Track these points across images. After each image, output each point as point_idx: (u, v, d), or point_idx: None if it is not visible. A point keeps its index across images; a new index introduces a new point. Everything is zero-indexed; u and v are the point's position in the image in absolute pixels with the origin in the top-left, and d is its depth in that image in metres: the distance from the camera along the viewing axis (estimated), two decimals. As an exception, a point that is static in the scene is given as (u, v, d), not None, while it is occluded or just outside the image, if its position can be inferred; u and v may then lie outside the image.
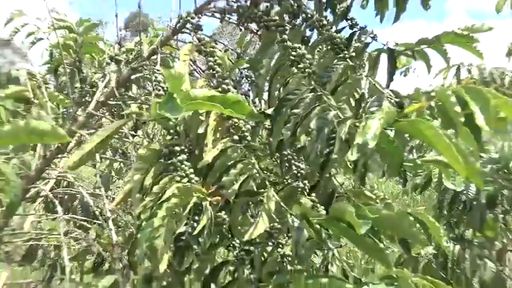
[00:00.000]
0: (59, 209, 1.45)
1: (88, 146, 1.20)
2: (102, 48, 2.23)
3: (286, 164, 1.48)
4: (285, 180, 1.50)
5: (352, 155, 0.94)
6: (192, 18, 1.54)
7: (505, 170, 2.69)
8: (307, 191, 1.50)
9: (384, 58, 1.80)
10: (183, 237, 1.07)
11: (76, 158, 1.19)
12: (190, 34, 1.77)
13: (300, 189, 1.49)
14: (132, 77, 1.74)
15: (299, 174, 1.49)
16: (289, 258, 1.22)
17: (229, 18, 1.68)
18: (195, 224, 1.04)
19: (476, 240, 2.91)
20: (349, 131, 1.07)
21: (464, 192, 2.75)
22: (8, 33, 2.36)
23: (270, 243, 1.25)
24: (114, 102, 1.78)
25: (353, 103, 1.37)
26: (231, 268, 1.29)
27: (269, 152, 1.36)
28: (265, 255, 1.30)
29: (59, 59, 2.28)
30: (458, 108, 1.12)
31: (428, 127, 1.00)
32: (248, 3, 1.60)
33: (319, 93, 1.21)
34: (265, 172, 1.32)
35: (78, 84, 2.20)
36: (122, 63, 1.70)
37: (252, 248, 1.26)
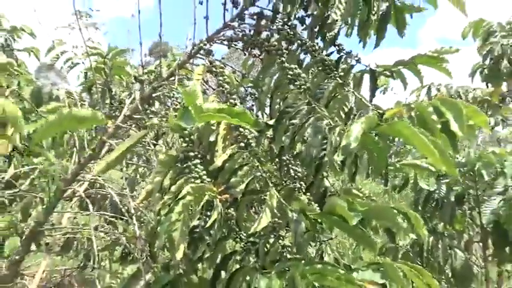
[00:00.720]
0: (91, 207, 1.42)
1: (115, 153, 1.17)
2: (128, 71, 2.21)
3: (285, 168, 1.45)
4: (284, 182, 1.47)
5: (338, 156, 0.92)
6: (204, 45, 1.52)
7: (471, 173, 2.66)
8: (303, 190, 1.47)
9: (366, 78, 1.79)
10: (197, 230, 1.04)
11: (105, 164, 1.16)
12: (203, 58, 1.76)
13: (297, 189, 1.46)
14: (154, 94, 1.72)
15: (296, 176, 1.46)
16: (289, 249, 1.18)
17: (236, 45, 1.67)
18: (207, 219, 1.01)
19: (447, 232, 2.87)
20: (339, 136, 1.04)
21: (437, 191, 2.71)
22: (50, 59, 2.35)
23: (272, 236, 1.22)
24: (138, 116, 1.76)
25: (343, 115, 1.35)
26: (239, 257, 1.26)
27: (270, 157, 1.33)
28: (268, 246, 1.26)
29: (92, 80, 2.26)
30: (435, 117, 1.10)
31: (406, 127, 0.98)
32: (252, 32, 1.59)
33: (313, 106, 1.18)
34: (267, 174, 1.29)
35: (108, 101, 2.18)
36: (145, 83, 1.67)
37: (256, 240, 1.22)
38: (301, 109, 1.17)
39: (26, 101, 2.03)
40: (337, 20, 1.64)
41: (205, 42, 1.54)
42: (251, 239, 1.25)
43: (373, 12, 1.67)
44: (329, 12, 1.61)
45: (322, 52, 1.79)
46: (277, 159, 1.43)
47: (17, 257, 1.63)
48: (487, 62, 3.02)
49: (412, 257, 2.69)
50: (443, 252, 2.62)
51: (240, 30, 1.66)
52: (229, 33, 1.69)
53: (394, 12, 1.71)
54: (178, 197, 0.99)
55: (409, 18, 1.77)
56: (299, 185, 1.46)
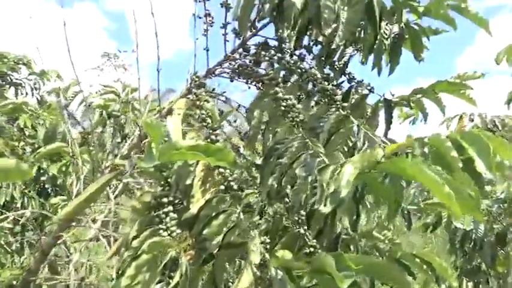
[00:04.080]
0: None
1: (83, 196, 1.00)
2: (138, 109, 2.09)
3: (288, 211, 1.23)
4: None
5: (326, 206, 0.69)
6: (198, 78, 1.36)
7: (512, 210, 2.30)
8: (309, 237, 1.24)
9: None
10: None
11: (71, 207, 0.99)
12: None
13: (301, 236, 1.23)
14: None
15: (300, 220, 1.24)
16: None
17: (238, 78, 1.50)
18: (170, 281, 0.80)
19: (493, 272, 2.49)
20: (331, 179, 0.82)
21: (474, 231, 2.35)
22: (66, 99, 2.29)
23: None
24: (137, 155, 1.61)
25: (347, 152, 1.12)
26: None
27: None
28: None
29: (103, 118, 2.16)
30: (455, 153, 0.85)
31: (411, 165, 0.75)
32: (248, 62, 1.42)
33: (305, 141, 0.97)
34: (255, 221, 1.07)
35: (119, 140, 2.07)
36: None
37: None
38: (291, 145, 0.95)
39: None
40: (341, 45, 1.44)
41: (198, 76, 1.37)
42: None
43: (386, 36, 1.46)
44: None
45: (328, 81, 1.60)
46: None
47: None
48: (524, 89, 2.70)
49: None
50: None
51: (241, 61, 1.50)
52: (232, 64, 1.53)
53: (410, 36, 1.49)
54: (134, 256, 0.80)
55: (427, 41, 1.54)
56: (303, 231, 1.24)
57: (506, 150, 0.87)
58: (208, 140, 1.02)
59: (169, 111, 1.54)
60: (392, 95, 1.55)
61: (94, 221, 1.68)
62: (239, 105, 1.68)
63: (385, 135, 1.52)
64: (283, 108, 1.07)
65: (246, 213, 1.26)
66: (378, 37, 1.35)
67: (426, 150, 0.88)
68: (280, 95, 1.10)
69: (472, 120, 3.25)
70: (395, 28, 1.44)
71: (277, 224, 1.36)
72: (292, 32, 1.30)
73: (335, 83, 1.59)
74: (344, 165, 0.74)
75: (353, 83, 1.55)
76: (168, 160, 0.96)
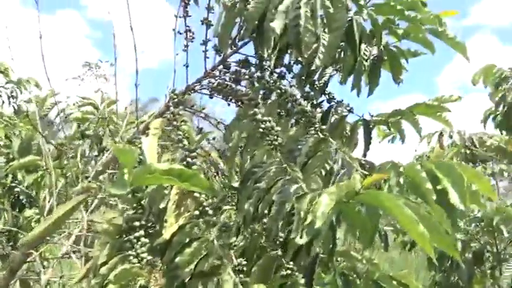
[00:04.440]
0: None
1: (51, 219, 0.96)
2: (116, 122, 2.05)
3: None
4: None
5: (302, 238, 0.68)
6: (176, 95, 1.34)
7: (489, 228, 2.32)
8: (286, 259, 1.21)
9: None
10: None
11: (37, 232, 0.95)
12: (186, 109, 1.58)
13: (278, 257, 1.21)
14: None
15: (277, 242, 1.22)
16: None
17: (217, 95, 1.49)
18: (139, 313, 0.77)
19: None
20: (308, 208, 0.80)
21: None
22: (43, 110, 2.24)
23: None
24: (111, 171, 1.57)
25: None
26: None
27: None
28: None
29: (82, 130, 2.11)
30: (429, 185, 0.85)
31: (389, 199, 0.73)
32: (228, 79, 1.40)
33: (283, 166, 0.95)
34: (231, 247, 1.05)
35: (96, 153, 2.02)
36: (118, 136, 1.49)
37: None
38: (269, 170, 0.94)
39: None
40: (321, 66, 1.44)
41: (177, 93, 1.35)
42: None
43: (365, 58, 1.47)
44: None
45: (312, 100, 1.60)
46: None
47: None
48: (500, 108, 2.75)
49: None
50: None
51: (221, 78, 1.48)
52: (211, 81, 1.51)
53: (389, 58, 1.50)
54: (103, 285, 0.76)
55: (406, 64, 1.56)
56: (280, 253, 1.22)
57: (481, 181, 0.88)
58: (184, 162, 0.99)
59: (146, 129, 1.51)
60: (371, 116, 1.56)
61: (70, 234, 1.63)
62: (218, 122, 1.67)
63: (364, 155, 1.52)
64: (261, 130, 1.06)
65: (223, 232, 1.23)
66: (358, 59, 1.36)
67: (401, 180, 0.87)
68: (259, 116, 1.09)
69: (451, 137, 3.30)
70: (375, 50, 1.45)
71: (255, 242, 1.34)
72: (272, 52, 1.29)
73: (315, 102, 1.59)
74: (321, 195, 0.73)
75: (333, 103, 1.56)
76: (142, 184, 0.94)
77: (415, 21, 1.33)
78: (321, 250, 1.40)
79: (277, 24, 1.02)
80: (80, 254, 1.54)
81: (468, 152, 3.39)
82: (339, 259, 1.66)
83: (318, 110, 1.55)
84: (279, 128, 1.07)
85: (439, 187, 0.84)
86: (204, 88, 1.52)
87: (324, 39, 1.10)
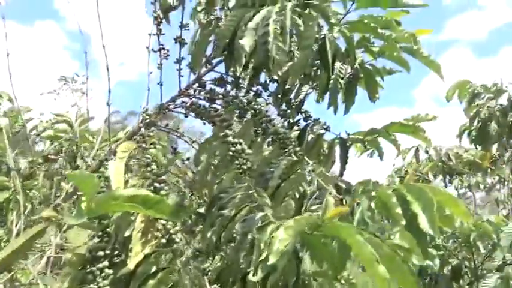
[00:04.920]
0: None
1: (9, 248, 0.90)
2: (91, 140, 1.99)
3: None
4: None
5: (255, 275, 0.64)
6: (149, 116, 1.30)
7: (467, 244, 2.33)
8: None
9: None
10: None
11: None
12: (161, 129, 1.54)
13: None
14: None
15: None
16: None
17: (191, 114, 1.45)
18: None
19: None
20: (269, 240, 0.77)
21: (430, 266, 2.35)
22: (16, 126, 2.16)
23: None
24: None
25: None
26: None
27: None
28: None
29: (56, 149, 2.04)
30: (399, 210, 0.83)
31: (350, 234, 0.71)
32: (203, 98, 1.37)
33: (251, 192, 0.92)
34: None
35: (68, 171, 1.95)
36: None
37: None
38: (235, 196, 0.90)
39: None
40: (293, 84, 1.43)
41: (150, 114, 1.31)
42: None
43: (341, 76, 1.46)
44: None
45: (289, 118, 1.58)
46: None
47: None
48: (475, 123, 2.79)
49: None
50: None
51: (195, 97, 1.45)
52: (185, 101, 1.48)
53: (364, 76, 1.50)
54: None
55: (381, 81, 1.55)
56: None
57: (455, 205, 0.86)
58: (152, 187, 0.95)
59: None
60: (348, 134, 1.54)
61: (42, 256, 1.56)
62: (193, 141, 1.63)
63: (341, 174, 1.50)
64: (231, 153, 1.02)
65: (196, 257, 1.19)
66: (333, 77, 1.34)
67: (373, 205, 0.85)
68: (230, 138, 1.06)
69: (427, 152, 3.33)
70: (348, 69, 1.44)
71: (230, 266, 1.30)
72: (244, 72, 1.27)
73: (292, 120, 1.57)
74: (278, 229, 0.69)
75: (309, 121, 1.54)
76: (106, 211, 0.89)
77: (390, 39, 1.32)
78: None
79: (246, 42, 0.99)
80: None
81: (445, 166, 3.43)
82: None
83: (295, 128, 1.53)
84: (250, 151, 1.04)
85: (409, 212, 0.82)
86: (179, 107, 1.49)
87: (296, 57, 1.08)
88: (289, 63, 1.27)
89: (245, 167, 0.98)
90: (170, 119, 1.85)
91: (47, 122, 2.07)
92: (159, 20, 1.43)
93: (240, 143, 1.05)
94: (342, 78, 1.48)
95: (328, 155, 1.55)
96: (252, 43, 1.00)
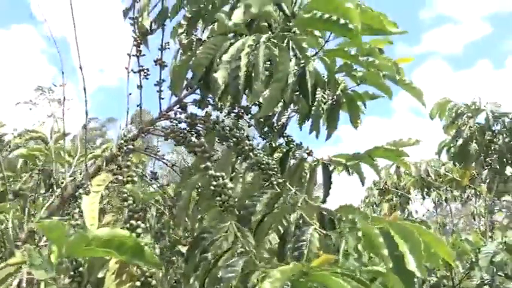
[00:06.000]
0: None
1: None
2: (65, 159, 1.90)
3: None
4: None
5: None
6: (126, 142, 1.25)
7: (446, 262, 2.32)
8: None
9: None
10: None
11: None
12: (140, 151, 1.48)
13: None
14: (78, 192, 1.41)
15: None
16: None
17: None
18: None
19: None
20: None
21: None
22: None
23: None
24: (58, 218, 1.44)
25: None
26: None
27: None
28: None
29: (31, 167, 1.95)
30: (386, 251, 0.80)
31: (336, 284, 0.67)
32: (184, 121, 1.33)
33: (234, 233, 0.87)
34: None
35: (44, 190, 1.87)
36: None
37: None
38: (217, 238, 0.86)
39: None
40: (279, 109, 1.40)
41: (128, 140, 1.26)
42: None
43: (324, 101, 1.44)
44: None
45: (271, 142, 1.55)
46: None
47: None
48: (456, 142, 2.82)
49: None
50: None
51: (176, 120, 1.40)
52: (166, 123, 1.43)
53: (347, 101, 1.48)
54: None
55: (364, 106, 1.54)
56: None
57: (439, 245, 0.84)
58: (128, 225, 0.90)
59: (97, 170, 1.40)
60: (330, 160, 1.52)
61: None
62: (173, 165, 1.58)
63: (324, 201, 1.47)
64: (213, 188, 0.98)
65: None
66: (315, 104, 1.32)
67: (360, 247, 0.82)
68: (211, 172, 1.01)
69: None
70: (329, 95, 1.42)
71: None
72: (224, 98, 1.23)
73: (274, 144, 1.54)
74: (264, 280, 0.65)
75: (291, 145, 1.51)
76: (78, 256, 0.84)
77: (372, 67, 1.31)
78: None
79: (220, 75, 0.96)
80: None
81: (424, 181, 3.47)
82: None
83: (275, 155, 1.50)
84: (232, 185, 1.00)
85: (396, 253, 0.80)
86: (159, 129, 1.44)
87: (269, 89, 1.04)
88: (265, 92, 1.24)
89: (227, 204, 0.93)
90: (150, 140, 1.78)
91: (20, 138, 1.98)
92: (138, 41, 1.38)
93: (222, 177, 1.01)
94: (325, 103, 1.46)
95: (311, 178, 1.52)
96: (225, 76, 0.97)
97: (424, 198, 4.59)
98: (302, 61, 1.12)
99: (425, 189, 4.27)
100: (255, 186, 1.11)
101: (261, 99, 1.25)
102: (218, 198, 0.95)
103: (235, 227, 0.88)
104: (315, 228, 0.99)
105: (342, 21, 0.97)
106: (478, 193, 4.17)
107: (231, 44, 0.99)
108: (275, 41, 1.03)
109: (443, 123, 2.91)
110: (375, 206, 4.52)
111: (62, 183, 1.88)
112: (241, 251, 0.83)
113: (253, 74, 0.98)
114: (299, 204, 1.06)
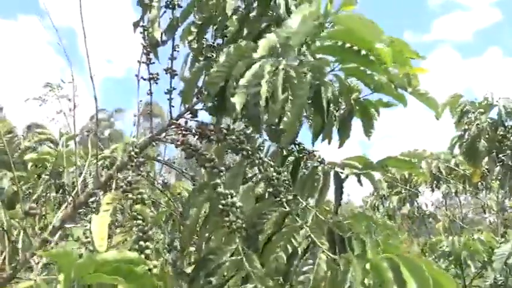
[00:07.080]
0: None
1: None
2: (74, 162, 1.89)
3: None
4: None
5: None
6: (136, 154, 1.23)
7: (458, 262, 2.30)
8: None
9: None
10: None
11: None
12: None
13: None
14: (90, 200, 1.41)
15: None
16: None
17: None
18: None
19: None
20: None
21: None
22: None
23: None
24: (71, 225, 1.45)
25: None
26: None
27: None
28: None
29: (39, 170, 1.96)
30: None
31: None
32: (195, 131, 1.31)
33: (240, 258, 0.86)
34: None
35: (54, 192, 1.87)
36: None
37: None
38: (223, 262, 0.85)
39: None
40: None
41: (136, 151, 1.24)
42: None
43: (336, 109, 1.41)
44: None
45: (283, 150, 1.52)
46: None
47: None
48: (465, 139, 2.76)
49: None
50: None
51: (187, 130, 1.38)
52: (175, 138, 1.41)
53: (360, 109, 1.44)
54: None
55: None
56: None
57: (445, 279, 0.83)
58: (137, 246, 0.89)
59: (109, 179, 1.39)
60: (343, 169, 1.49)
61: None
62: (182, 172, 1.57)
63: (336, 211, 1.44)
64: (221, 206, 0.96)
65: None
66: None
67: (368, 281, 0.80)
68: (220, 189, 1.00)
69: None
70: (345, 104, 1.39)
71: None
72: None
73: (285, 152, 1.51)
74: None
75: (303, 154, 1.48)
76: (86, 282, 0.83)
77: (387, 82, 1.27)
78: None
79: (237, 100, 0.93)
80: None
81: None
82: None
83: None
84: (240, 204, 0.98)
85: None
86: (170, 136, 1.42)
87: (288, 108, 1.01)
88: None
89: (235, 226, 0.92)
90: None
91: (29, 140, 1.98)
92: (148, 50, 1.35)
93: (231, 195, 0.99)
94: (337, 111, 1.43)
95: (324, 183, 1.49)
96: (243, 101, 0.94)
97: (433, 190, 4.54)
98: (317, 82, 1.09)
99: (435, 182, 4.22)
100: (265, 202, 1.10)
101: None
102: (226, 218, 0.93)
103: (242, 250, 0.87)
104: (323, 251, 0.97)
105: (371, 57, 0.94)
106: (489, 186, 4.10)
107: (247, 67, 0.96)
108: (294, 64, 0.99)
109: (454, 120, 2.85)
110: (383, 198, 4.50)
111: (73, 184, 1.88)
112: (246, 278, 0.81)
113: (270, 98, 0.95)
114: (308, 224, 1.04)
